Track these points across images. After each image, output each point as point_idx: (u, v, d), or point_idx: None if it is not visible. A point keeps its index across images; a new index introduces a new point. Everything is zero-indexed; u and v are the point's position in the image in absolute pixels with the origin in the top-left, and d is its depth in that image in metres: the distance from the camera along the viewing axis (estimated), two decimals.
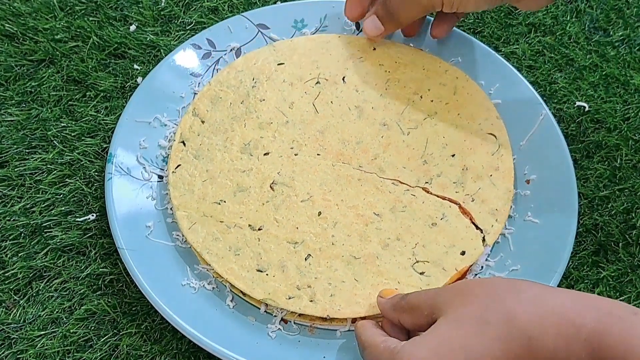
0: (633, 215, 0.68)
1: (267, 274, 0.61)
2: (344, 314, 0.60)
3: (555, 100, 0.75)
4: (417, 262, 0.62)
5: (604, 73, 0.77)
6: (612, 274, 0.65)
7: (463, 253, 0.63)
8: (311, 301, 0.60)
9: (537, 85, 0.75)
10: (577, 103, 0.74)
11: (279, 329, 0.61)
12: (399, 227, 0.64)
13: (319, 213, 0.64)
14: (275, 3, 0.80)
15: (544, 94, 0.75)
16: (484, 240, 0.64)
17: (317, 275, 0.62)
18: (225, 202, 0.65)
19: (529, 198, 0.67)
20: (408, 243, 0.63)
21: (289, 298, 0.60)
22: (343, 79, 0.72)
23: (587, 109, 0.74)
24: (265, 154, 0.67)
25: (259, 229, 0.64)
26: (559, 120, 0.73)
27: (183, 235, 0.64)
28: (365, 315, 0.60)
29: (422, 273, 0.62)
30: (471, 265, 0.63)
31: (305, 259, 0.62)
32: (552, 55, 0.78)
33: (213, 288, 0.62)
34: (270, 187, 0.66)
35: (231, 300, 0.62)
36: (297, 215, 0.64)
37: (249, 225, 0.64)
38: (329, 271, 0.62)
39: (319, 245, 0.63)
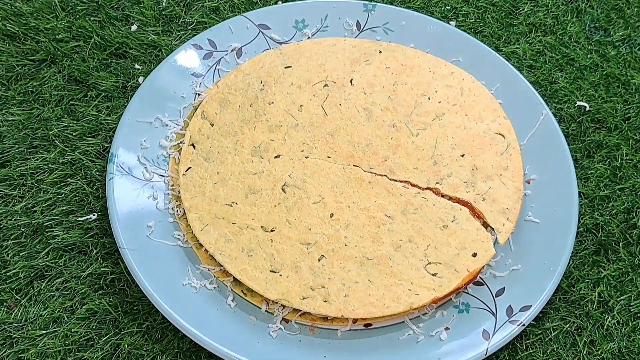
0: (634, 214, 0.68)
1: (280, 275, 0.62)
2: (358, 314, 0.60)
3: (556, 100, 0.75)
4: (430, 263, 0.63)
5: (604, 73, 0.77)
6: (613, 274, 0.65)
7: (474, 255, 0.63)
8: (325, 301, 0.60)
9: (538, 85, 0.75)
10: (578, 103, 0.74)
11: (280, 328, 0.61)
12: (410, 229, 0.64)
13: (331, 215, 0.64)
14: (276, 3, 0.80)
15: (545, 93, 0.75)
16: (495, 241, 0.64)
17: (331, 276, 0.62)
18: (237, 204, 0.65)
19: (529, 198, 0.67)
20: (420, 245, 0.63)
21: (303, 298, 0.60)
22: (351, 82, 0.72)
23: (587, 108, 0.74)
24: (275, 157, 0.67)
25: (272, 231, 0.64)
26: (560, 120, 0.73)
27: (185, 235, 0.64)
28: (380, 316, 0.60)
29: (434, 274, 0.62)
30: (482, 267, 0.63)
31: (319, 260, 0.62)
32: (553, 55, 0.78)
33: (214, 288, 0.62)
34: (282, 189, 0.66)
35: (232, 300, 0.62)
36: (309, 217, 0.64)
37: (262, 227, 0.64)
38: (343, 272, 0.62)
39: (331, 246, 0.63)
